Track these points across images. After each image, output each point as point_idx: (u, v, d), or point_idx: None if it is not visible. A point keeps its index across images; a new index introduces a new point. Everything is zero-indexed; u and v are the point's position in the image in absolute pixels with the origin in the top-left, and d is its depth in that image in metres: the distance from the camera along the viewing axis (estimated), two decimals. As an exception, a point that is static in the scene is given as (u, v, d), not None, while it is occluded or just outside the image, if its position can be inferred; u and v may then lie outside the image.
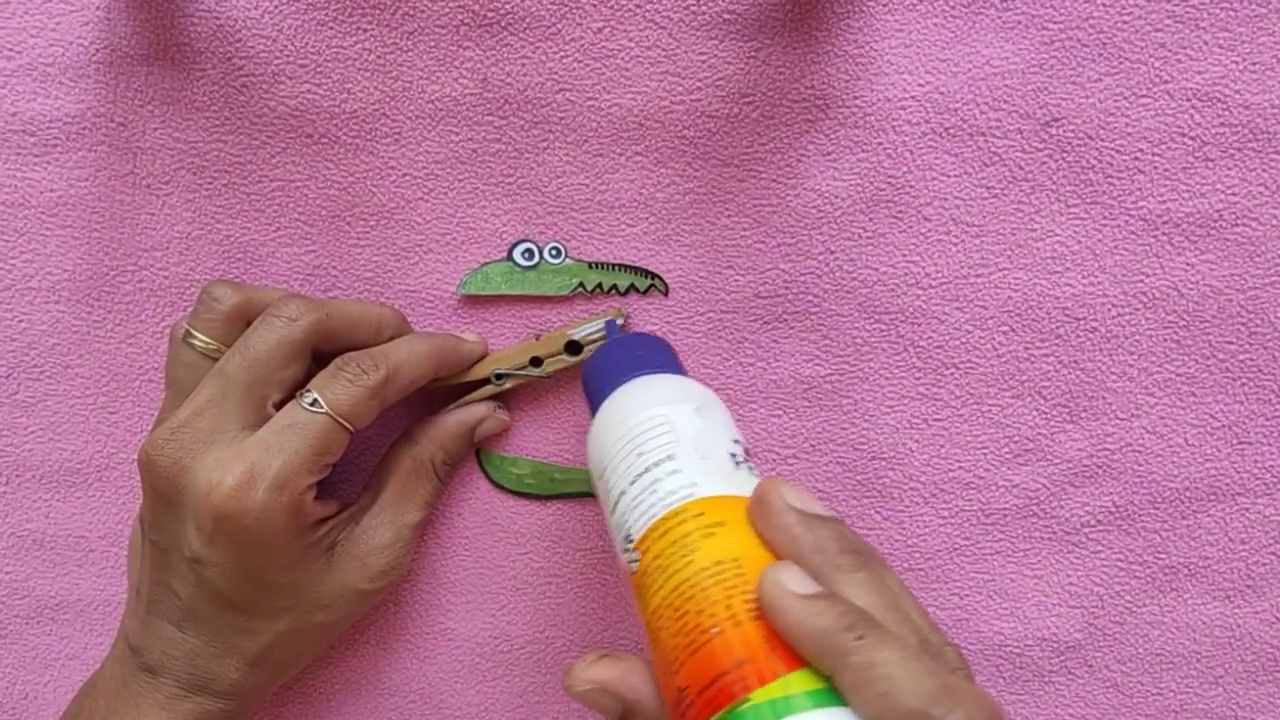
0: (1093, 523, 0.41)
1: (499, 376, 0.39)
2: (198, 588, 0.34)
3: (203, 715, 0.36)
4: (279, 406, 0.35)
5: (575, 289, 0.39)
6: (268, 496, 0.32)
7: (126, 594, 0.38)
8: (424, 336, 0.38)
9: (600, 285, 0.39)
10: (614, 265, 0.39)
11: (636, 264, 0.39)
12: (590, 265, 0.39)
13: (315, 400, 0.34)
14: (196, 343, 0.35)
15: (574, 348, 0.39)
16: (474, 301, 0.40)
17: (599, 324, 0.39)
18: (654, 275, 0.39)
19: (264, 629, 0.36)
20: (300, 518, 0.34)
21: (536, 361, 0.39)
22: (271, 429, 0.33)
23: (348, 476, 0.41)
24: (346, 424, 0.34)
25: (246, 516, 0.32)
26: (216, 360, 0.35)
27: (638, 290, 0.39)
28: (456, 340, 0.39)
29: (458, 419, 0.39)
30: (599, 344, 0.39)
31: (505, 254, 0.39)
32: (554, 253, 0.39)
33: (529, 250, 0.39)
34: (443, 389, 0.39)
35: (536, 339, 0.39)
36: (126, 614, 0.38)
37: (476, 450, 0.41)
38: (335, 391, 0.34)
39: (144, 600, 0.36)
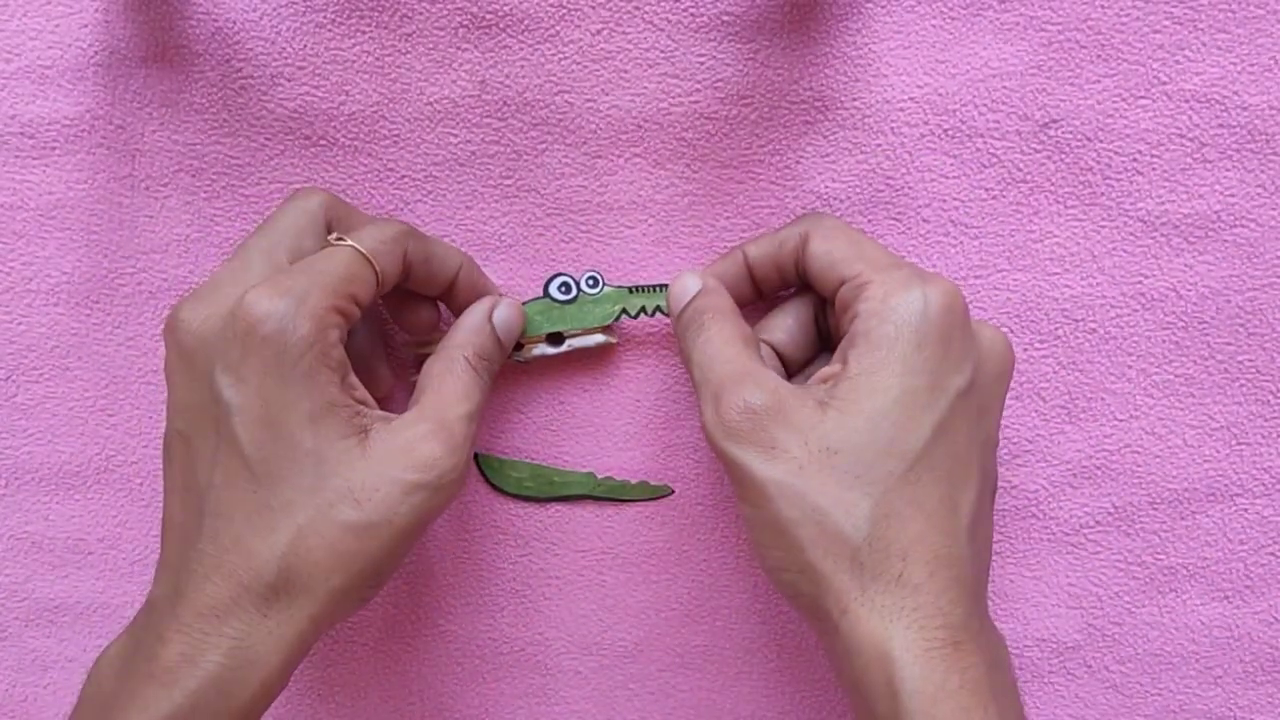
0: (1092, 523, 0.41)
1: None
2: (218, 452, 0.32)
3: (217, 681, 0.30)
4: None
5: (618, 317, 0.39)
6: (290, 304, 0.32)
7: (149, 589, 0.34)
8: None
9: (644, 308, 0.38)
10: (654, 286, 0.38)
11: (643, 272, 0.39)
12: (631, 290, 0.38)
13: (340, 237, 0.35)
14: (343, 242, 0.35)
15: (555, 339, 0.39)
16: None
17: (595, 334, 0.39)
18: None
19: (282, 523, 0.31)
20: (324, 342, 0.32)
21: (517, 347, 0.39)
22: (296, 265, 0.34)
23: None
24: (373, 261, 0.34)
25: (270, 320, 0.31)
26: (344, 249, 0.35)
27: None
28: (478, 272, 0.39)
29: (471, 313, 0.37)
30: (582, 339, 0.39)
31: (541, 292, 0.39)
32: (591, 283, 0.38)
33: (565, 284, 0.38)
34: (420, 357, 0.39)
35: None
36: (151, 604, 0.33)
37: (475, 454, 0.41)
38: (358, 233, 0.35)
39: (176, 530, 0.33)
